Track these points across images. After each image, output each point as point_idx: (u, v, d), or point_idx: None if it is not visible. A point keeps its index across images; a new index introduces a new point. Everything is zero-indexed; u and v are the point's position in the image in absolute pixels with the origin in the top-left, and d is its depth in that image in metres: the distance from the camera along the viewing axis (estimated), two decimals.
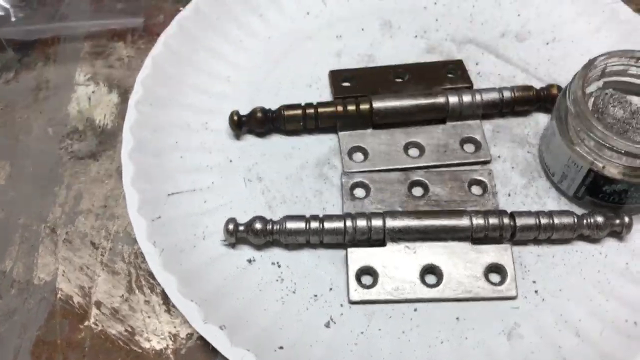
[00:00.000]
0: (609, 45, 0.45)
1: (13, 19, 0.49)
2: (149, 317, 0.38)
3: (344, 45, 0.49)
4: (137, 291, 0.39)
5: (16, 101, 0.47)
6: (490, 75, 0.47)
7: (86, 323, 0.38)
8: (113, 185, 0.43)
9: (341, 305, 0.36)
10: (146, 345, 0.37)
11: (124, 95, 0.47)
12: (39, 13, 0.50)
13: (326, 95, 0.46)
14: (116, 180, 0.43)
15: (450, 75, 0.45)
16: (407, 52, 0.48)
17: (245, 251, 0.38)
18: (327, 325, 0.35)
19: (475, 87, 0.45)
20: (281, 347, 0.34)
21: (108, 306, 0.38)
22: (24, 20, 0.49)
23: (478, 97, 0.43)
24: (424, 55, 0.48)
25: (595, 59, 0.38)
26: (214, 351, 0.36)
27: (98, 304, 0.38)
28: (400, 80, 0.46)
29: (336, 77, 0.46)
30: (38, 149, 0.45)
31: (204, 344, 0.37)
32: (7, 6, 0.49)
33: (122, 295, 0.39)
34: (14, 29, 0.49)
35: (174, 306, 0.38)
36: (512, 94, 0.43)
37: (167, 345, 0.37)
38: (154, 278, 0.39)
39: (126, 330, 0.37)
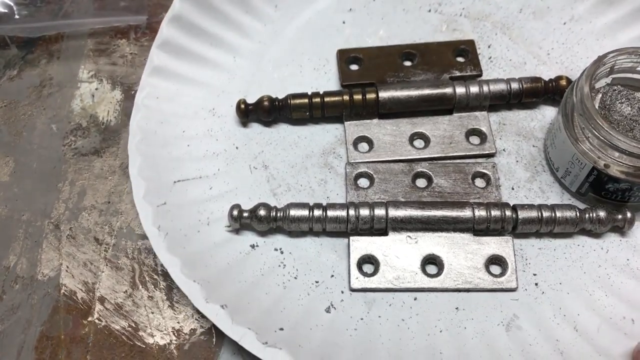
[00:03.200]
0: (626, 28, 0.46)
1: (17, 17, 0.50)
2: (152, 312, 0.39)
3: (353, 19, 0.49)
4: (140, 287, 0.40)
5: (20, 98, 0.48)
6: (501, 61, 0.47)
7: (90, 318, 0.39)
8: (116, 182, 0.44)
9: (342, 292, 0.38)
10: (150, 340, 0.38)
11: (128, 92, 0.48)
12: (43, 10, 0.51)
13: (334, 79, 0.47)
14: (120, 176, 0.44)
15: (460, 59, 0.47)
16: (419, 30, 0.49)
17: (249, 237, 0.40)
18: (328, 310, 0.37)
19: (484, 73, 0.46)
20: (281, 329, 0.35)
21: (112, 302, 0.40)
22: (27, 18, 0.50)
23: (485, 88, 0.44)
24: (436, 34, 0.49)
25: (604, 55, 0.39)
26: (217, 346, 0.37)
27: (102, 300, 0.40)
28: (409, 63, 0.47)
29: (344, 57, 0.47)
30: (42, 146, 0.46)
31: (208, 340, 0.38)
32: (11, 3, 0.50)
33: (126, 291, 0.40)
34: (17, 26, 0.50)
35: (177, 302, 0.39)
36: (520, 86, 0.44)
37: (171, 341, 0.38)
38: (157, 274, 0.40)
39: (130, 326, 0.39)
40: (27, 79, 0.49)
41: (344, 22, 0.49)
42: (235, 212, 0.39)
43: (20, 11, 0.51)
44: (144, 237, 0.41)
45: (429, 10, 0.50)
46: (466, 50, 0.47)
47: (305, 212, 0.39)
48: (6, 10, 0.50)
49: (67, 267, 0.41)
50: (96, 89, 0.49)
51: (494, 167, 0.42)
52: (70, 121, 0.47)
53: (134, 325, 0.39)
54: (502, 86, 0.44)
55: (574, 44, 0.48)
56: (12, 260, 0.41)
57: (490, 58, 0.48)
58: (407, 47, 0.47)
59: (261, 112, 0.44)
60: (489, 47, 0.48)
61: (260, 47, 0.48)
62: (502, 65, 0.47)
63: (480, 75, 0.46)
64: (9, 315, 0.39)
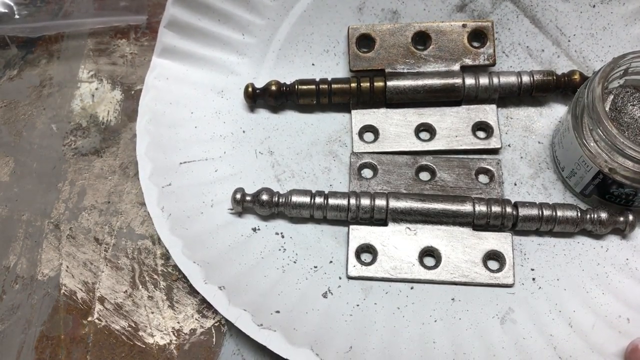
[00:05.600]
0: None
1: (17, 17, 0.53)
2: (152, 312, 0.42)
3: None
4: (140, 287, 0.42)
5: (20, 98, 0.51)
6: (518, 47, 0.49)
7: (90, 318, 0.41)
8: (116, 182, 0.46)
9: (340, 278, 0.40)
10: (149, 340, 0.40)
11: (128, 92, 0.50)
12: (43, 10, 0.53)
13: (343, 62, 0.49)
14: (120, 176, 0.46)
15: (475, 44, 0.47)
16: (435, 9, 0.49)
17: (251, 220, 0.42)
18: (325, 295, 0.39)
19: (498, 62, 0.48)
20: (278, 312, 0.38)
21: (111, 302, 0.42)
22: (27, 18, 0.53)
23: (495, 80, 0.46)
24: (453, 14, 0.49)
25: (620, 57, 0.40)
26: (217, 346, 0.38)
27: (102, 300, 0.42)
28: (421, 48, 0.47)
29: (355, 35, 0.47)
30: (42, 146, 0.48)
31: (208, 340, 0.40)
32: (11, 3, 0.53)
33: (126, 291, 0.42)
34: (17, 26, 0.52)
35: (177, 302, 0.41)
36: (531, 79, 0.46)
37: (171, 341, 0.40)
38: (157, 274, 0.42)
39: (130, 326, 0.41)
40: (27, 79, 0.51)
41: (356, 1, 0.49)
42: (238, 196, 0.41)
43: (20, 11, 0.53)
44: (144, 236, 0.43)
45: None
46: (483, 33, 0.47)
47: (306, 199, 0.41)
48: (6, 10, 0.52)
49: (67, 267, 0.43)
50: (96, 89, 0.51)
51: (498, 164, 0.44)
52: (70, 121, 0.49)
53: (134, 325, 0.41)
54: (512, 79, 0.46)
55: (598, 30, 0.48)
56: (12, 260, 0.43)
57: (507, 44, 0.48)
58: (421, 28, 0.47)
59: (269, 97, 0.47)
60: (508, 30, 0.49)
61: (269, 23, 0.49)
62: (518, 52, 0.48)
63: (493, 64, 0.47)
64: (9, 315, 0.41)
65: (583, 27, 0.48)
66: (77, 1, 0.54)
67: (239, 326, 0.36)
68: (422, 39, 0.48)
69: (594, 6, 0.48)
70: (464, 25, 0.47)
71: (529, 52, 0.48)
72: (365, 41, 0.47)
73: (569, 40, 0.48)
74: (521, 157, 0.45)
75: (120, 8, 0.55)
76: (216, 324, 0.40)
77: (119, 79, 0.51)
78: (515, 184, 0.44)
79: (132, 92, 0.50)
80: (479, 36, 0.47)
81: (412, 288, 0.40)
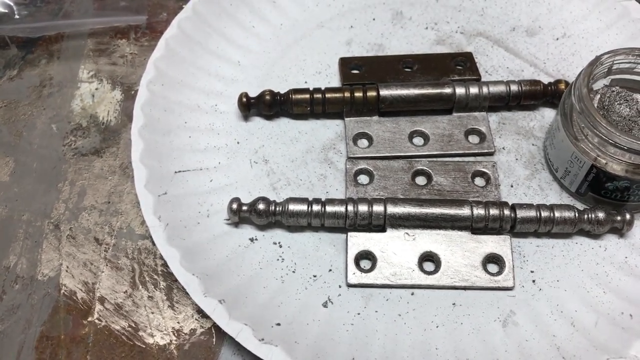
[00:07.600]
0: (619, 42, 0.49)
1: (17, 17, 0.52)
2: (152, 312, 0.41)
3: (354, 35, 0.53)
4: (140, 287, 0.41)
5: (20, 98, 0.50)
6: (499, 69, 0.50)
7: (90, 318, 0.40)
8: (116, 182, 0.46)
9: (339, 286, 0.40)
10: (150, 340, 0.40)
11: (128, 92, 0.50)
12: (43, 10, 0.53)
13: (335, 82, 0.50)
14: (120, 176, 0.46)
15: (459, 67, 0.49)
16: (417, 43, 0.52)
17: (248, 230, 0.42)
18: (325, 305, 0.39)
19: (483, 79, 0.48)
20: (278, 324, 0.37)
21: (112, 302, 0.41)
22: (27, 18, 0.53)
23: (485, 89, 0.46)
24: (433, 47, 0.52)
25: (601, 56, 0.41)
26: (217, 346, 0.39)
27: (102, 300, 0.41)
28: (409, 69, 0.49)
29: (345, 64, 0.50)
30: (42, 146, 0.48)
31: (208, 340, 0.39)
32: (11, 4, 0.52)
33: (126, 291, 0.41)
34: (17, 27, 0.52)
35: (177, 302, 0.41)
36: (520, 88, 0.46)
37: (171, 341, 0.40)
38: (157, 274, 0.42)
39: (130, 326, 0.40)
40: (27, 79, 0.51)
41: (345, 36, 0.53)
42: (234, 206, 0.40)
43: (20, 11, 0.53)
44: (144, 237, 0.43)
45: (426, 28, 0.53)
46: (464, 60, 0.49)
47: (304, 207, 0.40)
48: (6, 10, 0.52)
49: (67, 267, 0.42)
50: (96, 89, 0.51)
51: (493, 166, 0.44)
52: (70, 121, 0.49)
53: (134, 325, 0.40)
54: (501, 88, 0.46)
55: (568, 55, 0.51)
56: (12, 260, 0.43)
57: (488, 67, 0.51)
58: (407, 57, 0.50)
59: (263, 106, 0.46)
60: (486, 56, 0.51)
61: (264, 49, 0.51)
62: (500, 72, 0.50)
63: (479, 79, 0.48)
64: (9, 315, 0.40)
65: (554, 53, 0.51)
66: (77, 1, 0.54)
67: (240, 341, 0.35)
68: (408, 65, 0.49)
69: (557, 39, 0.51)
70: (446, 55, 0.50)
71: (509, 71, 0.50)
72: (355, 67, 0.49)
73: (545, 63, 0.50)
74: (516, 159, 0.45)
75: (120, 8, 0.55)
76: (216, 324, 0.40)
77: (119, 79, 0.51)
78: (512, 186, 0.43)
79: (132, 92, 0.49)
80: (461, 62, 0.49)
81: (412, 294, 0.39)
